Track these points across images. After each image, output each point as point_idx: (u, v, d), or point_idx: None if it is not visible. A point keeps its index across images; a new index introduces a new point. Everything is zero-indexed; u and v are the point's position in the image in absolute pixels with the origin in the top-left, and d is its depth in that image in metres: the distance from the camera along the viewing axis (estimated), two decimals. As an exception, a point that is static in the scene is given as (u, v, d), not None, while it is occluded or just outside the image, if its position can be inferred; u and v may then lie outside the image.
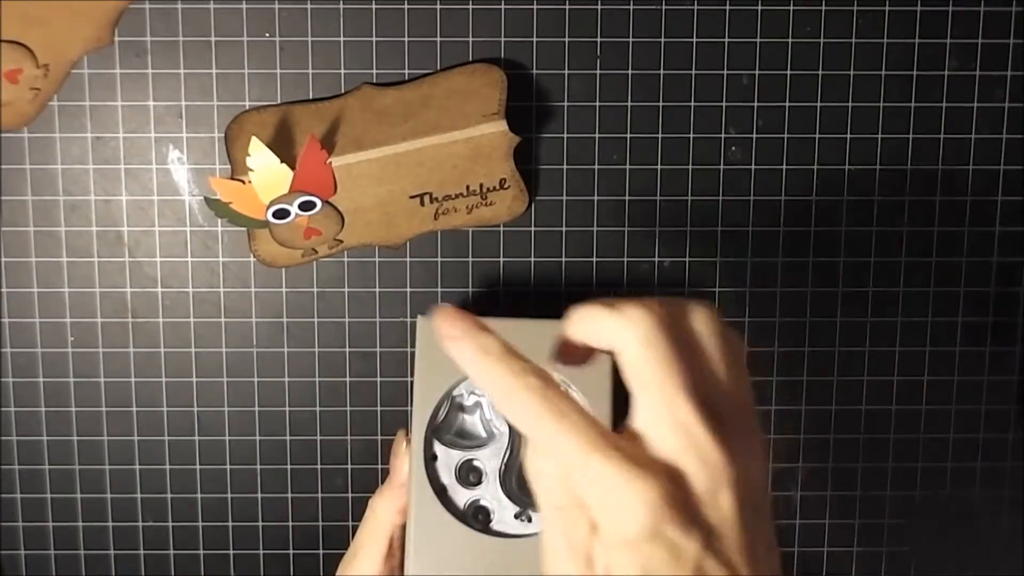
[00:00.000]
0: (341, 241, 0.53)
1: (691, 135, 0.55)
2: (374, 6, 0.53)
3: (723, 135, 0.55)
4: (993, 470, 0.58)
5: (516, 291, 0.55)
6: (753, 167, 0.55)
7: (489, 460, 0.48)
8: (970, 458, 0.58)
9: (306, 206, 0.51)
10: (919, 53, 0.54)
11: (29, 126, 0.54)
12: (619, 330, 0.37)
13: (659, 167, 0.55)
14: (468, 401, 0.49)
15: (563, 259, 0.55)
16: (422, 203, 0.53)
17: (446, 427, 0.48)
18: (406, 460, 0.49)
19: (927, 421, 0.58)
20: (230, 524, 0.57)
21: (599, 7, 0.53)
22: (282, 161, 0.49)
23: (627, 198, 0.55)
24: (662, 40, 0.54)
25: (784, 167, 0.55)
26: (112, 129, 0.54)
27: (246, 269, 0.55)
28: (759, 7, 0.54)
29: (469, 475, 0.48)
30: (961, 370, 0.57)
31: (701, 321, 0.37)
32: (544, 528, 0.37)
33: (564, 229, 0.55)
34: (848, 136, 0.55)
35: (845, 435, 0.58)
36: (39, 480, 0.56)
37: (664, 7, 0.54)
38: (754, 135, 0.55)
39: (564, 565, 0.37)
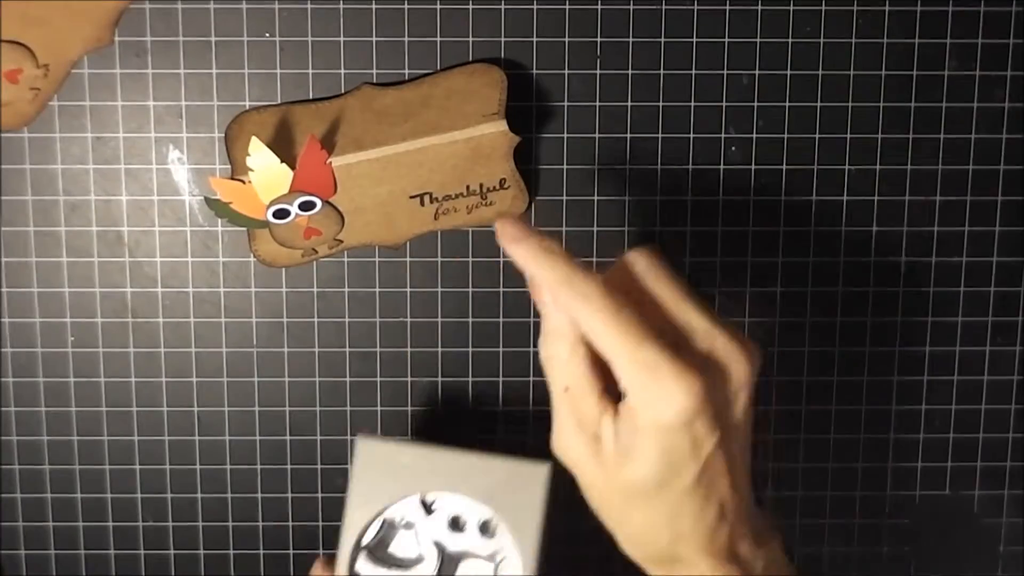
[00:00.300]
0: (341, 241, 0.53)
1: (691, 135, 0.55)
2: (374, 6, 0.53)
3: (723, 135, 0.55)
4: (993, 470, 0.58)
5: (516, 291, 0.55)
6: (753, 167, 0.55)
7: None
8: (970, 458, 0.58)
9: (306, 206, 0.51)
10: (919, 53, 0.54)
11: (29, 126, 0.54)
12: (576, 309, 0.41)
13: (659, 167, 0.55)
14: (400, 521, 0.49)
15: (563, 259, 0.55)
16: (422, 203, 0.53)
17: (376, 547, 0.49)
18: None
19: (927, 421, 0.58)
20: (230, 524, 0.57)
21: (599, 7, 0.53)
22: (282, 161, 0.49)
23: (627, 198, 0.55)
24: (662, 40, 0.54)
25: (784, 167, 0.55)
26: (112, 129, 0.54)
27: (246, 269, 0.55)
28: (759, 7, 0.54)
29: None
30: (961, 370, 0.57)
31: (642, 266, 0.43)
32: (554, 407, 0.43)
33: (564, 229, 0.55)
34: (848, 136, 0.55)
35: (845, 435, 0.58)
36: (39, 480, 0.56)
37: (664, 7, 0.54)
38: (754, 135, 0.55)
39: (572, 440, 0.43)
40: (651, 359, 0.40)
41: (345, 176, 0.51)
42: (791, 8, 0.54)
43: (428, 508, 0.48)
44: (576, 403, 0.42)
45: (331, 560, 0.49)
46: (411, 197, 0.52)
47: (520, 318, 0.56)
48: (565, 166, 0.55)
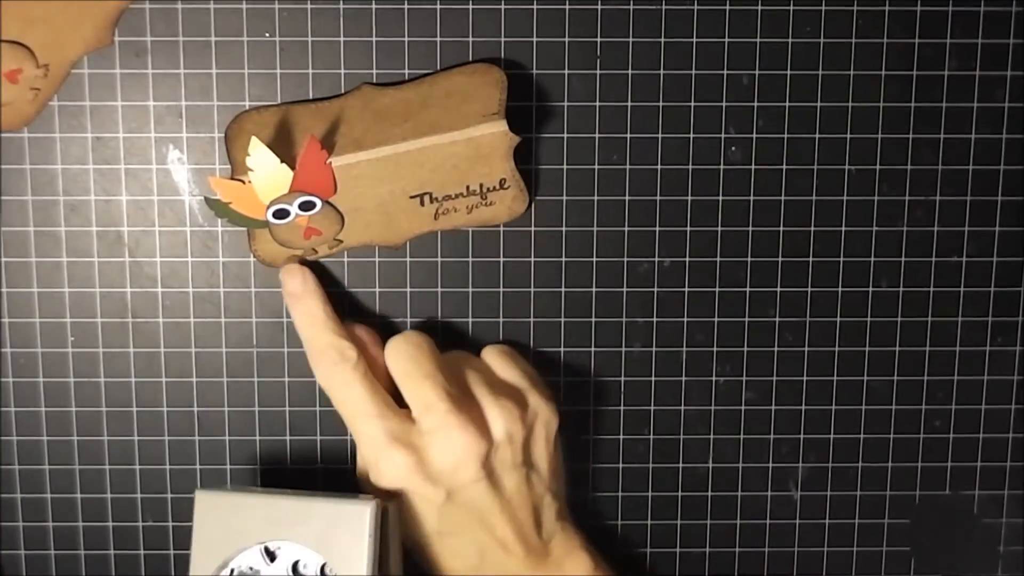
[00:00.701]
0: (341, 241, 0.53)
1: (691, 135, 0.55)
2: (374, 6, 0.53)
3: (723, 135, 0.55)
4: (993, 470, 0.58)
5: (516, 291, 0.55)
6: (753, 167, 0.55)
7: None
8: (970, 458, 0.58)
9: (306, 206, 0.51)
10: (919, 53, 0.54)
11: (29, 126, 0.54)
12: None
13: (659, 167, 0.55)
14: (245, 570, 0.49)
15: (563, 259, 0.55)
16: (422, 203, 0.52)
17: None
18: None
19: (927, 421, 0.58)
20: (230, 524, 0.57)
21: (599, 7, 0.53)
22: (282, 161, 0.49)
23: (627, 198, 0.55)
24: (662, 40, 0.54)
25: (784, 167, 0.55)
26: (112, 129, 0.54)
27: (246, 269, 0.55)
28: (759, 7, 0.54)
29: None
30: (961, 370, 0.57)
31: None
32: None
33: (564, 229, 0.55)
34: (848, 136, 0.55)
35: (845, 435, 0.58)
36: (39, 480, 0.56)
37: (664, 7, 0.54)
38: (754, 135, 0.55)
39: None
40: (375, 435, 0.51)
41: (345, 176, 0.51)
42: (791, 8, 0.54)
43: (271, 555, 0.49)
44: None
45: None
46: (411, 197, 0.52)
47: (520, 318, 0.56)
48: (565, 166, 0.55)
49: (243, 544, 0.49)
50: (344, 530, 0.48)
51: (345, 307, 0.55)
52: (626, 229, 0.55)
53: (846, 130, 0.55)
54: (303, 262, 0.53)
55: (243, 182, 0.50)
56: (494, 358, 0.54)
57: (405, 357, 0.51)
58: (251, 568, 0.49)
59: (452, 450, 0.49)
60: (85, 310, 0.55)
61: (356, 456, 0.53)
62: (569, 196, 0.55)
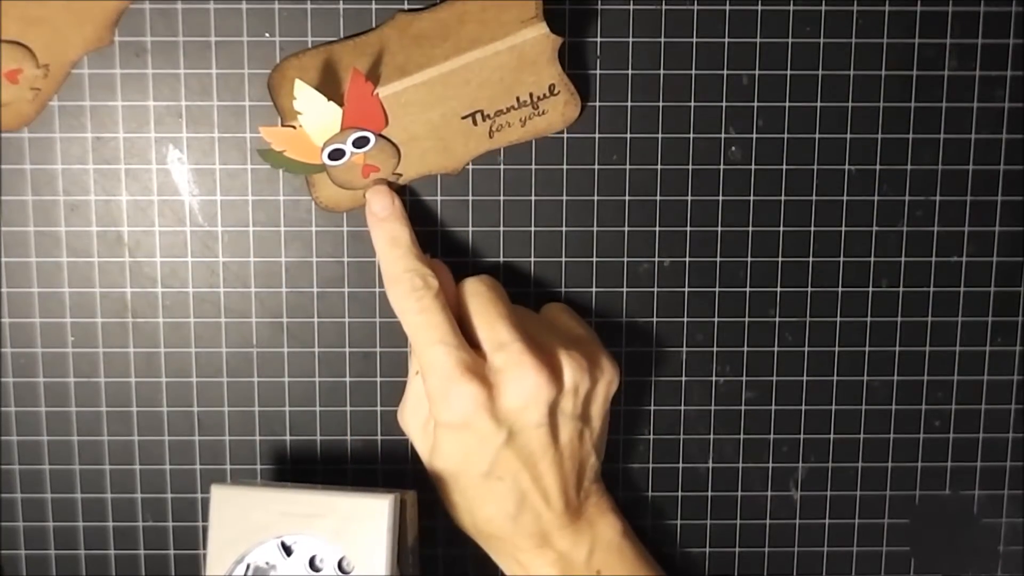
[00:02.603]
0: (400, 175, 0.52)
1: (691, 135, 0.55)
2: (374, 6, 0.53)
3: (723, 135, 0.55)
4: (993, 470, 0.58)
5: (516, 291, 0.55)
6: (753, 167, 0.55)
7: None
8: (970, 458, 0.58)
9: (360, 142, 0.50)
10: (919, 53, 0.54)
11: (29, 126, 0.54)
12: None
13: (659, 167, 0.55)
14: (262, 564, 0.49)
15: (563, 259, 0.55)
16: (474, 122, 0.52)
17: None
18: None
19: (927, 421, 0.58)
20: (230, 524, 0.57)
21: (599, 7, 0.53)
22: (329, 100, 0.49)
23: (627, 198, 0.55)
24: (662, 40, 0.54)
25: (784, 167, 0.55)
26: (112, 129, 0.54)
27: (246, 269, 0.55)
28: (759, 7, 0.54)
29: None
30: (961, 370, 0.57)
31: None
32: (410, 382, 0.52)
33: (564, 229, 0.55)
34: (848, 136, 0.55)
35: (845, 435, 0.58)
36: (39, 480, 0.56)
37: (664, 7, 0.54)
38: (754, 135, 0.55)
39: (411, 416, 0.53)
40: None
41: (394, 105, 0.51)
42: (791, 8, 0.54)
43: (288, 550, 0.49)
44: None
45: None
46: (463, 118, 0.52)
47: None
48: (565, 166, 0.55)
49: (260, 539, 0.49)
50: (363, 524, 0.48)
51: (345, 307, 0.55)
52: (626, 229, 0.55)
53: (846, 130, 0.55)
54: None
55: (293, 127, 0.50)
56: (558, 313, 0.54)
57: (481, 296, 0.50)
58: (267, 563, 0.49)
59: (524, 389, 0.48)
60: (85, 310, 0.55)
61: (406, 394, 0.53)
62: (569, 196, 0.55)
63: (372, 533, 0.47)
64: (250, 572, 0.49)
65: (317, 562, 0.49)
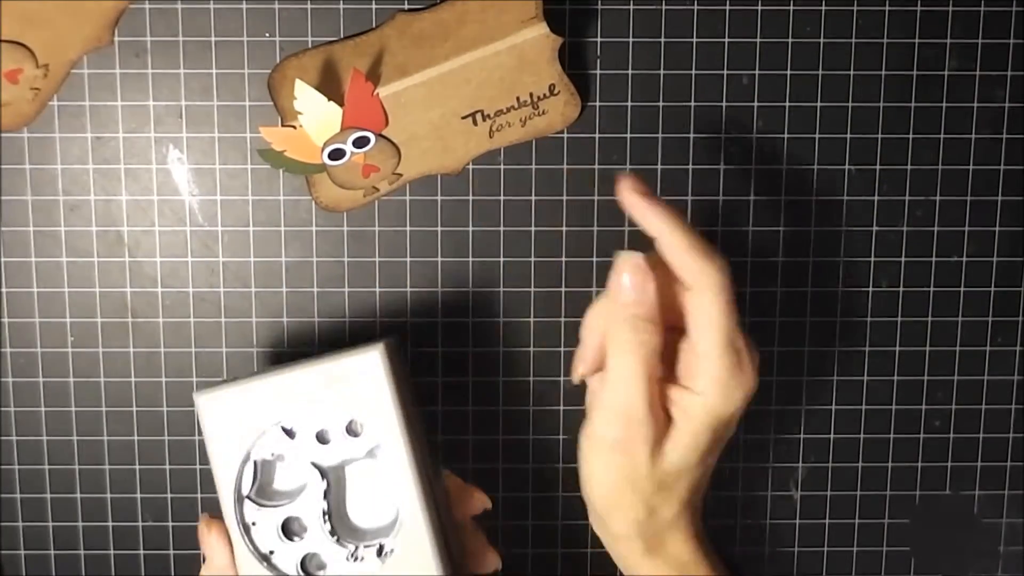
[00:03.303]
0: (400, 175, 0.52)
1: (691, 135, 0.55)
2: (374, 6, 0.53)
3: (723, 135, 0.55)
4: (993, 470, 0.58)
5: (516, 291, 0.55)
6: (753, 167, 0.55)
7: (308, 509, 0.47)
8: (970, 458, 0.58)
9: (360, 142, 0.50)
10: (919, 53, 0.54)
11: (29, 126, 0.54)
12: (706, 276, 0.45)
13: (659, 167, 0.55)
14: (268, 456, 0.47)
15: (563, 259, 0.55)
16: (475, 122, 0.52)
17: (255, 491, 0.47)
18: (218, 543, 0.47)
19: (927, 420, 0.58)
20: (230, 524, 0.57)
21: (599, 7, 0.53)
22: (329, 100, 0.49)
23: (627, 198, 0.55)
24: (662, 40, 0.54)
25: (784, 167, 0.55)
26: (112, 129, 0.54)
27: (246, 269, 0.55)
28: (759, 7, 0.54)
29: (292, 530, 0.47)
30: (961, 370, 0.57)
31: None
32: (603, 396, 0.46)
33: (564, 229, 0.55)
34: (848, 136, 0.55)
35: (845, 435, 0.58)
36: (39, 480, 0.56)
37: (664, 7, 0.54)
38: (754, 135, 0.55)
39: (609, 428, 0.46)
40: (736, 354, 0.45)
41: (394, 105, 0.51)
42: (791, 8, 0.54)
43: (290, 434, 0.47)
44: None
45: (214, 519, 0.48)
46: (463, 118, 0.52)
47: (520, 318, 0.56)
48: (565, 166, 0.55)
49: (259, 432, 0.47)
50: (360, 380, 0.46)
51: (346, 307, 0.55)
52: (626, 229, 0.55)
53: (846, 130, 0.55)
54: None
55: (293, 127, 0.50)
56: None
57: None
58: (273, 454, 0.47)
59: (747, 391, 0.46)
60: (85, 310, 0.55)
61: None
62: (569, 196, 0.55)
63: (372, 386, 0.46)
64: (259, 469, 0.47)
65: (326, 435, 0.47)
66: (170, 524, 0.57)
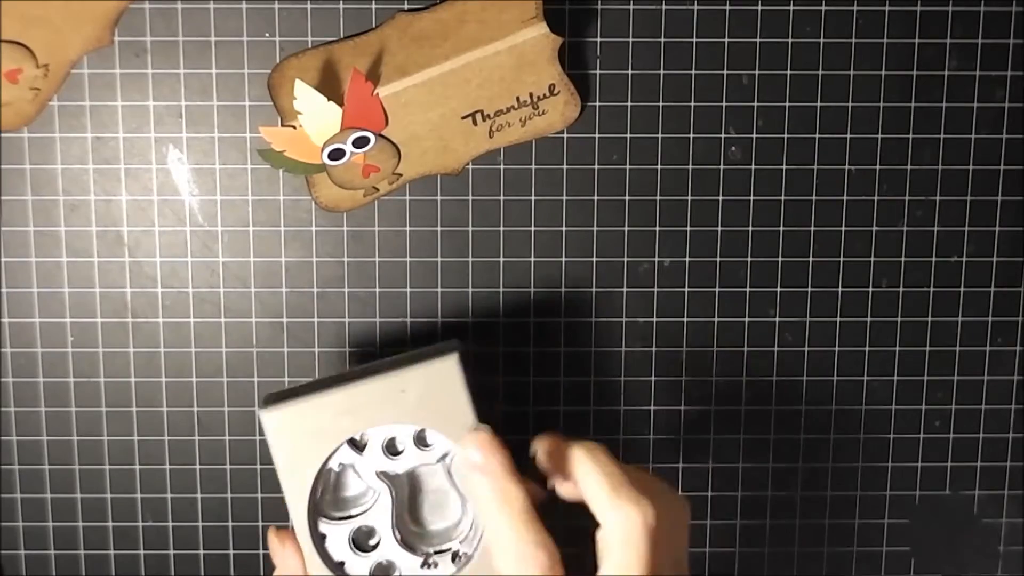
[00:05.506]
0: (400, 175, 0.52)
1: (691, 135, 0.55)
2: (374, 6, 0.53)
3: (723, 135, 0.55)
4: (993, 470, 0.58)
5: (516, 291, 0.55)
6: (753, 167, 0.55)
7: (379, 518, 0.46)
8: (970, 458, 0.58)
9: (360, 142, 0.50)
10: (919, 53, 0.54)
11: (29, 126, 0.54)
12: (611, 521, 0.40)
13: (659, 167, 0.55)
14: (337, 468, 0.47)
15: (563, 259, 0.55)
16: (475, 122, 0.52)
17: (325, 503, 0.47)
18: (289, 555, 0.46)
19: (927, 421, 0.58)
20: (230, 524, 0.57)
21: (599, 7, 0.53)
22: (329, 100, 0.49)
23: (627, 198, 0.55)
24: (662, 40, 0.54)
25: (784, 167, 0.55)
26: (112, 129, 0.54)
27: (246, 269, 0.55)
28: (759, 7, 0.54)
29: (365, 541, 0.47)
30: (961, 370, 0.57)
31: (675, 518, 0.42)
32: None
33: (564, 229, 0.55)
34: (848, 136, 0.55)
35: (845, 435, 0.58)
36: (39, 480, 0.56)
37: (664, 7, 0.54)
38: (754, 135, 0.55)
39: None
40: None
41: (394, 105, 0.51)
42: (791, 8, 0.54)
43: (359, 447, 0.46)
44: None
45: (283, 530, 0.47)
46: (463, 118, 0.52)
47: (520, 318, 0.56)
48: (565, 166, 0.55)
49: (328, 449, 0.45)
50: (435, 390, 0.45)
51: (346, 307, 0.55)
52: (626, 229, 0.55)
53: (846, 130, 0.55)
54: None
55: (293, 127, 0.50)
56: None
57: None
58: (342, 464, 0.46)
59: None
60: (85, 310, 0.55)
61: None
62: (569, 196, 0.55)
63: (448, 394, 0.45)
64: (329, 482, 0.46)
65: (396, 445, 0.46)
66: (170, 524, 0.57)
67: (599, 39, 0.54)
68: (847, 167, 0.55)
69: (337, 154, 0.50)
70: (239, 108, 0.53)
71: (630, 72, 0.54)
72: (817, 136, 0.55)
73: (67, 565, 0.57)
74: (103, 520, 0.57)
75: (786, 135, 0.55)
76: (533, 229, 0.55)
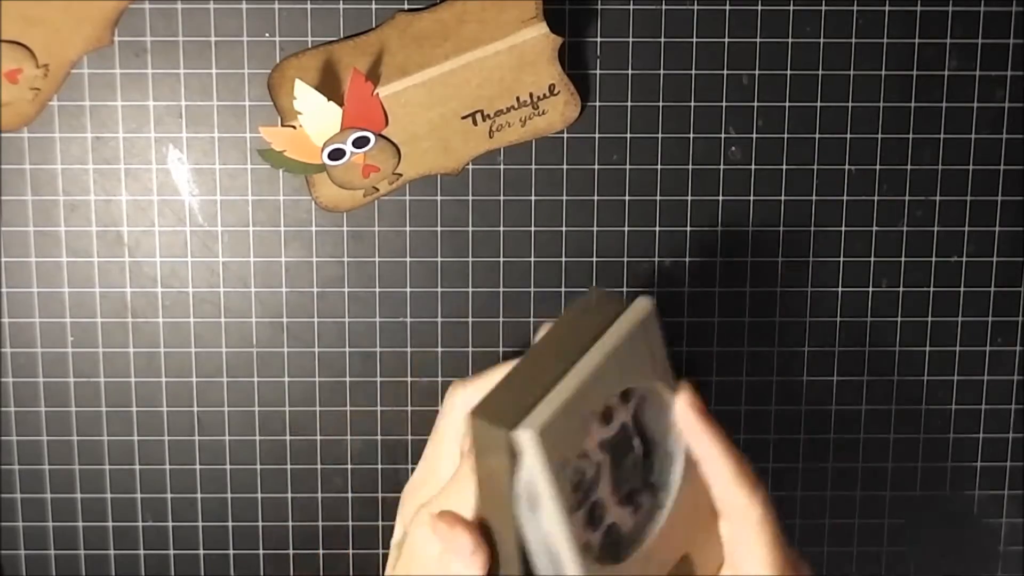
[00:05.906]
0: (400, 175, 0.52)
1: (691, 135, 0.55)
2: (374, 6, 0.53)
3: (723, 135, 0.55)
4: (993, 470, 0.58)
5: (516, 291, 0.55)
6: (753, 167, 0.55)
7: (604, 489, 0.41)
8: (970, 458, 0.58)
9: (360, 142, 0.50)
10: (919, 53, 0.54)
11: (29, 126, 0.54)
12: (749, 509, 0.42)
13: (659, 167, 0.55)
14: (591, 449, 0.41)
15: (563, 259, 0.55)
16: (474, 122, 0.52)
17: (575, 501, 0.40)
18: (464, 542, 0.40)
19: (927, 421, 0.58)
20: (230, 524, 0.57)
21: (599, 7, 0.53)
22: (329, 100, 0.49)
23: (627, 198, 0.55)
24: (662, 40, 0.54)
25: (784, 167, 0.55)
26: (112, 129, 0.54)
27: (246, 269, 0.55)
28: (759, 7, 0.54)
29: (597, 514, 0.41)
30: (961, 370, 0.57)
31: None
32: None
33: (564, 229, 0.55)
34: (848, 136, 0.55)
35: (845, 435, 0.58)
36: (39, 480, 0.56)
37: (664, 7, 0.54)
38: (754, 135, 0.55)
39: None
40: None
41: (394, 105, 0.51)
42: (791, 8, 0.54)
43: (608, 418, 0.41)
44: None
45: (451, 513, 0.40)
46: (463, 117, 0.52)
47: (520, 318, 0.56)
48: (565, 166, 0.55)
49: (583, 441, 0.39)
50: (634, 341, 0.41)
51: (345, 307, 0.55)
52: (626, 229, 0.55)
53: (846, 130, 0.55)
54: None
55: (293, 127, 0.50)
56: None
57: None
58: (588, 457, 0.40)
59: None
60: (85, 310, 0.55)
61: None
62: (569, 196, 0.55)
63: (653, 346, 0.42)
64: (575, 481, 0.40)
65: (610, 413, 0.41)
66: (170, 524, 0.57)
67: (599, 39, 0.54)
68: (847, 167, 0.55)
69: (337, 154, 0.50)
70: (239, 108, 0.53)
71: (630, 72, 0.54)
72: (817, 136, 0.55)
73: (67, 565, 0.57)
74: (103, 520, 0.57)
75: (786, 135, 0.55)
76: (533, 229, 0.55)
